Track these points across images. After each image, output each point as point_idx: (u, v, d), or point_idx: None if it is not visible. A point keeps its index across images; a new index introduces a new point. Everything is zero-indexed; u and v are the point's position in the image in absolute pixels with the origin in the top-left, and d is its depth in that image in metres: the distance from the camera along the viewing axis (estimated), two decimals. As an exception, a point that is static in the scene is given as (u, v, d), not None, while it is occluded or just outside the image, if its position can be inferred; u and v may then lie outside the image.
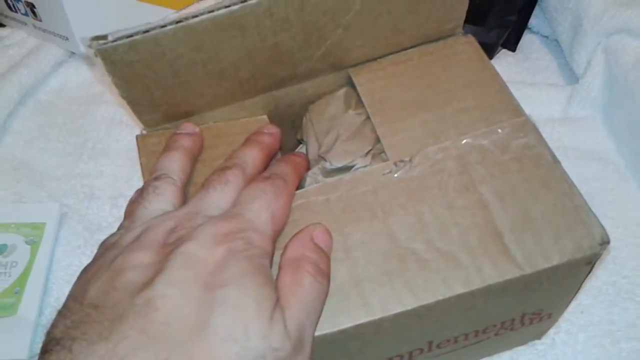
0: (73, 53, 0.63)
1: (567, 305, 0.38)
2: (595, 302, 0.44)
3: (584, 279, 0.34)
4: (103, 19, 0.61)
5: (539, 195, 0.31)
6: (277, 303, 0.26)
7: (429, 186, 0.31)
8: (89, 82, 0.61)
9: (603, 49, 0.54)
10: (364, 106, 0.37)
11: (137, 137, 0.37)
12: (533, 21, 0.61)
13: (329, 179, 0.31)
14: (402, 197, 0.31)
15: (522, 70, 0.59)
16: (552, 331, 0.42)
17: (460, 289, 0.29)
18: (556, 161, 0.32)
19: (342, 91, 0.39)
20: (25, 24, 0.63)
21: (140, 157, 0.36)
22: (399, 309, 0.29)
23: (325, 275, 0.27)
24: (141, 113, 0.36)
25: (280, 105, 0.37)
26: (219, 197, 0.29)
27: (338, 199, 0.31)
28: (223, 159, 0.34)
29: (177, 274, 0.25)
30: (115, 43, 0.31)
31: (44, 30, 0.61)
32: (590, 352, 0.42)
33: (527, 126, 0.32)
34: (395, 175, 0.31)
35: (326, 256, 0.28)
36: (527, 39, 0.62)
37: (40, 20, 0.61)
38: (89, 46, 0.31)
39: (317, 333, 0.28)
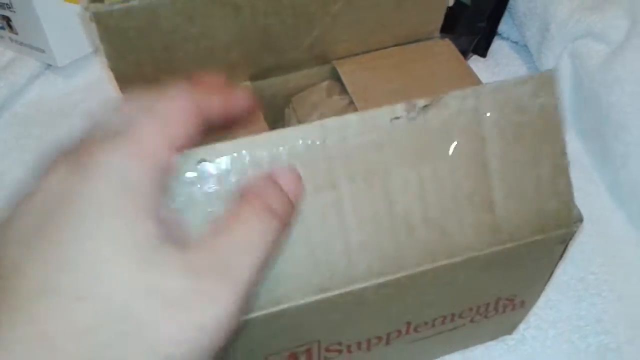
0: (49, 65, 0.63)
1: (539, 293, 0.39)
2: (563, 298, 0.45)
3: (557, 262, 0.35)
4: (80, 30, 0.62)
5: (538, 166, 0.30)
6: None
7: (438, 142, 0.28)
8: (65, 93, 0.61)
9: (569, 53, 0.56)
10: (347, 94, 0.38)
11: None
12: (502, 27, 0.63)
13: (329, 119, 0.27)
14: (407, 154, 0.28)
15: (492, 75, 0.61)
16: (521, 327, 0.43)
17: (444, 260, 0.30)
18: (563, 132, 0.31)
19: (324, 83, 0.41)
20: (2, 37, 0.63)
21: None
22: (382, 278, 0.29)
23: (276, 216, 0.24)
24: (127, 90, 0.37)
25: (264, 96, 0.39)
26: None
27: (337, 145, 0.27)
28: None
29: None
30: (112, 7, 0.32)
31: (20, 44, 0.62)
32: (560, 347, 0.42)
33: (550, 86, 0.30)
34: (405, 122, 0.28)
35: (285, 198, 0.25)
36: (496, 44, 0.64)
37: (17, 34, 0.61)
38: (86, 9, 0.31)
39: (300, 301, 0.29)
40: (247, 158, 0.26)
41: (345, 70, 0.40)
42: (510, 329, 0.43)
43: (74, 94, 0.62)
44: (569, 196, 0.31)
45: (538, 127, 0.30)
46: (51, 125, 0.59)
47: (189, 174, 0.26)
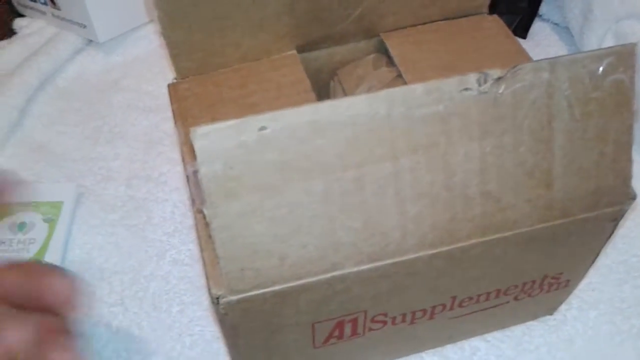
0: (90, 41, 0.64)
1: (584, 273, 0.39)
2: (605, 280, 0.44)
3: (607, 240, 0.35)
4: (121, 7, 0.62)
5: (603, 143, 0.30)
6: None
7: (506, 116, 0.28)
8: (106, 69, 0.62)
9: (613, 34, 0.55)
10: (394, 67, 0.38)
11: (168, 85, 0.39)
12: (543, 8, 0.62)
13: (395, 89, 0.27)
14: (473, 127, 0.28)
15: (533, 57, 0.60)
16: (563, 307, 0.43)
17: (495, 234, 0.30)
18: (634, 110, 0.31)
19: (371, 56, 0.41)
20: (44, 13, 0.64)
21: (172, 104, 0.37)
22: (434, 250, 0.30)
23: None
24: (178, 58, 0.37)
25: (309, 69, 0.39)
26: None
27: (401, 116, 0.27)
28: (253, 97, 0.35)
29: None
30: None
31: (62, 19, 0.63)
32: (601, 328, 0.42)
33: (630, 60, 0.29)
34: (475, 94, 0.27)
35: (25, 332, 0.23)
36: (537, 26, 0.63)
37: (59, 9, 0.62)
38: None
39: (354, 268, 0.29)
40: (310, 126, 0.27)
41: (392, 43, 0.39)
42: (551, 309, 0.43)
43: (114, 70, 0.62)
44: (628, 173, 0.31)
45: (609, 103, 0.29)
46: (92, 99, 0.60)
47: (250, 139, 0.26)
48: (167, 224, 0.49)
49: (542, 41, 0.63)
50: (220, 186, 0.27)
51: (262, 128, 0.26)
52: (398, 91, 0.27)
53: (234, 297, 0.29)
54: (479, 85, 0.27)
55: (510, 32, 0.41)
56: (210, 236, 0.31)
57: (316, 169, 0.27)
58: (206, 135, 0.26)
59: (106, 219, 0.50)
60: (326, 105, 0.27)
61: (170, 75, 0.59)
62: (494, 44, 0.40)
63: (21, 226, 0.49)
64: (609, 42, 0.56)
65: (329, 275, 0.29)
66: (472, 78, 0.27)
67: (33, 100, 0.59)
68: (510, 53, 0.39)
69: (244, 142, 0.26)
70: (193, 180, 0.28)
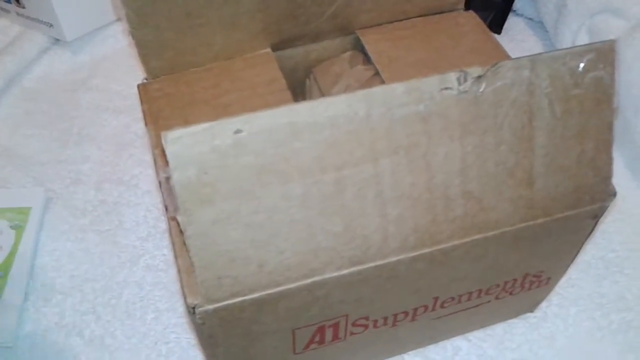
0: (57, 40, 0.62)
1: (565, 270, 0.39)
2: (585, 276, 0.44)
3: (587, 237, 0.35)
4: (88, 5, 0.61)
5: (583, 141, 0.29)
6: None
7: (487, 115, 0.27)
8: (73, 69, 0.60)
9: (587, 29, 0.55)
10: (370, 65, 0.37)
11: (138, 85, 0.37)
12: (518, 4, 0.62)
13: (374, 89, 0.26)
14: (453, 126, 0.27)
15: (507, 52, 0.60)
16: (543, 305, 0.43)
17: (477, 235, 0.30)
18: (614, 108, 0.30)
19: (347, 54, 0.41)
20: (8, 11, 0.62)
21: (142, 104, 0.36)
22: (416, 252, 0.29)
23: None
24: (148, 58, 0.36)
25: (284, 68, 0.38)
26: None
27: (381, 116, 0.26)
28: (226, 97, 0.34)
29: None
30: None
31: (27, 18, 0.61)
32: (582, 324, 0.42)
33: (609, 57, 0.28)
34: (455, 93, 0.27)
35: None
36: (512, 21, 0.63)
37: (24, 7, 0.60)
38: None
39: (334, 273, 0.28)
40: (288, 128, 0.26)
41: (368, 40, 0.39)
42: (532, 306, 0.43)
43: (82, 70, 0.61)
44: (608, 171, 0.31)
45: (589, 100, 0.29)
46: (59, 100, 0.58)
47: (224, 143, 0.25)
48: (140, 229, 0.48)
49: (516, 36, 0.63)
50: (194, 192, 0.26)
51: (237, 131, 0.25)
52: (378, 91, 0.26)
53: (211, 306, 0.28)
54: (459, 84, 0.27)
55: (486, 28, 0.40)
56: (184, 243, 0.30)
57: (294, 173, 0.26)
58: (178, 140, 0.25)
59: (76, 224, 0.48)
60: (304, 107, 0.26)
61: (140, 75, 0.57)
62: (470, 41, 0.39)
63: (-13, 233, 0.47)
64: (583, 37, 0.56)
65: (308, 281, 0.29)
66: (452, 77, 0.27)
67: (-2, 102, 0.57)
68: (487, 49, 0.39)
69: (218, 146, 0.25)
70: (166, 186, 0.26)
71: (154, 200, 0.50)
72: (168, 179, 0.25)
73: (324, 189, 0.27)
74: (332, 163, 0.27)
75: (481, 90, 0.27)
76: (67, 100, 0.58)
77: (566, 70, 0.28)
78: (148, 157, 0.53)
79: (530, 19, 0.64)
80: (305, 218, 0.27)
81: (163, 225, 0.48)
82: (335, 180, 0.27)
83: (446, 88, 0.27)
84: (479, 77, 0.27)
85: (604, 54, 0.28)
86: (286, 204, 0.27)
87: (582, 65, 0.28)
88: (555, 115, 0.29)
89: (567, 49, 0.28)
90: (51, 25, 0.59)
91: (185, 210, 0.26)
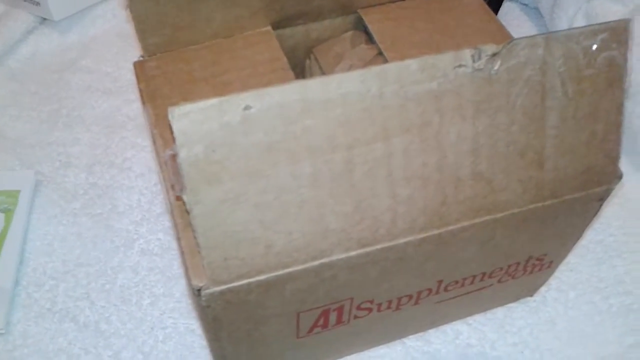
0: (44, 19, 0.60)
1: (566, 254, 0.38)
2: (583, 261, 0.44)
3: (591, 220, 0.35)
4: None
5: (594, 122, 0.29)
6: None
7: (500, 94, 0.27)
8: (61, 49, 0.59)
9: (584, 14, 0.55)
10: (373, 44, 0.36)
11: (134, 63, 0.36)
12: (513, -11, 0.62)
13: (388, 65, 0.25)
14: (466, 105, 0.27)
15: (505, 37, 0.59)
16: (543, 289, 0.43)
17: (485, 216, 0.29)
18: (624, 89, 0.30)
19: (348, 33, 0.40)
20: (-7, -11, 0.60)
21: (138, 83, 0.35)
22: (425, 233, 0.29)
23: None
24: (145, 34, 0.35)
25: (283, 47, 0.37)
26: None
27: (394, 94, 0.25)
28: (226, 75, 0.33)
29: None
30: None
31: (13, -4, 0.59)
32: (581, 308, 0.42)
33: (623, 36, 0.28)
34: (469, 71, 0.26)
35: None
36: (506, 7, 0.62)
37: (10, -15, 0.58)
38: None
39: (342, 255, 0.28)
40: (298, 105, 0.25)
41: (371, 19, 0.38)
42: (532, 290, 0.42)
43: (70, 51, 0.59)
44: (617, 153, 0.31)
45: (601, 80, 0.29)
46: (47, 81, 0.56)
47: (233, 120, 0.24)
48: (134, 213, 0.47)
49: (511, 22, 0.62)
50: (202, 171, 0.25)
51: (247, 107, 0.24)
52: (391, 67, 0.25)
53: (217, 288, 0.27)
54: (474, 61, 0.26)
55: (489, 9, 0.40)
56: (189, 224, 0.29)
57: (304, 151, 0.26)
58: (186, 116, 0.24)
59: (67, 208, 0.47)
60: (315, 83, 0.25)
61: (131, 56, 0.56)
62: (474, 21, 0.39)
63: (-25, 217, 0.45)
64: (580, 22, 0.55)
65: (316, 262, 0.28)
66: (467, 54, 0.26)
67: (-17, 82, 0.55)
68: (490, 30, 0.39)
69: (227, 122, 0.24)
70: (171, 164, 0.26)
71: (147, 184, 0.48)
72: (174, 156, 0.25)
73: (334, 168, 0.26)
74: (343, 142, 0.26)
75: (496, 68, 0.27)
76: (55, 82, 0.56)
77: (580, 49, 0.28)
78: (140, 140, 0.51)
79: (525, 4, 0.64)
80: (315, 198, 0.27)
81: (157, 209, 0.47)
82: (346, 159, 0.26)
83: (460, 65, 0.26)
84: (494, 54, 0.26)
85: (618, 34, 0.28)
86: (295, 184, 0.26)
87: (595, 45, 0.28)
88: (568, 95, 0.28)
89: (581, 27, 0.28)
90: (37, 4, 0.58)
91: (192, 190, 0.25)
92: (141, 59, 0.37)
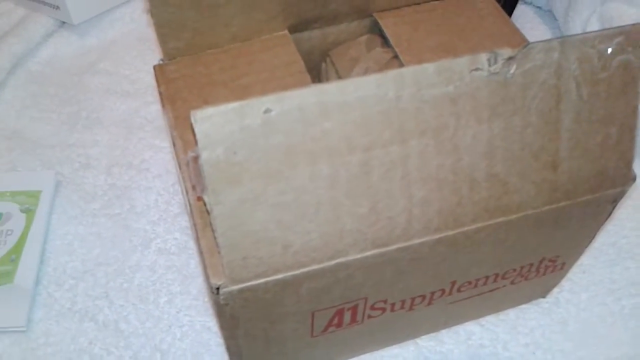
0: (64, 23, 0.61)
1: (579, 255, 0.39)
2: (596, 263, 0.45)
3: (604, 222, 0.35)
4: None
5: (609, 125, 0.29)
6: None
7: (515, 97, 0.27)
8: (81, 52, 0.60)
9: (598, 17, 0.55)
10: (388, 48, 0.37)
11: (154, 67, 0.37)
12: (527, -8, 0.62)
13: (404, 69, 0.26)
14: (482, 108, 0.27)
15: (518, 40, 0.60)
16: (555, 290, 0.43)
17: (500, 217, 0.30)
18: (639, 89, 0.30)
19: (364, 37, 0.40)
20: (14, -7, 0.61)
21: (158, 86, 0.36)
22: (440, 234, 0.29)
23: None
24: (166, 38, 0.36)
25: (300, 51, 0.38)
26: None
27: (411, 97, 0.26)
28: (244, 78, 0.34)
29: None
30: None
31: (33, 0, 0.60)
32: (594, 310, 0.42)
33: (638, 40, 0.28)
34: (485, 74, 0.27)
35: None
36: (520, 10, 0.63)
37: (30, -11, 0.59)
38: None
39: (358, 255, 0.28)
40: (317, 108, 0.25)
41: (386, 23, 0.38)
42: (544, 292, 0.43)
43: (89, 53, 0.60)
44: (631, 155, 0.31)
45: (616, 84, 0.29)
46: (67, 84, 0.57)
47: (254, 123, 0.25)
48: (151, 212, 0.47)
49: (525, 25, 0.63)
50: (223, 172, 0.25)
51: (267, 110, 0.25)
52: (408, 71, 0.26)
53: (236, 287, 0.28)
54: (490, 65, 0.27)
55: (503, 12, 0.40)
56: (208, 224, 0.30)
57: (323, 153, 0.26)
58: (208, 119, 0.25)
59: (87, 209, 0.48)
60: (333, 86, 0.26)
61: (149, 59, 0.57)
62: (489, 24, 0.39)
63: (-3, 217, 0.46)
64: (594, 25, 0.56)
65: (333, 262, 0.29)
66: (483, 58, 0.27)
67: (4, 85, 0.57)
68: (505, 34, 0.39)
69: (247, 125, 0.25)
70: (193, 166, 0.26)
71: (164, 184, 0.49)
72: (196, 158, 0.25)
73: (352, 170, 0.27)
74: (360, 144, 0.27)
75: (511, 72, 0.27)
76: (75, 84, 0.57)
77: (595, 53, 0.28)
78: (158, 141, 0.52)
79: (539, 7, 0.64)
80: (332, 199, 0.27)
81: (174, 209, 0.48)
82: (363, 161, 0.27)
83: (476, 69, 0.26)
84: (510, 58, 0.27)
85: (634, 37, 0.28)
86: (313, 185, 0.27)
87: (610, 48, 0.28)
88: (582, 99, 0.29)
89: (597, 31, 0.28)
90: (57, 8, 0.59)
91: (213, 190, 0.26)
92: (161, 62, 0.37)
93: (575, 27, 0.58)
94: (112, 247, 0.46)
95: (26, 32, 0.59)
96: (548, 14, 0.63)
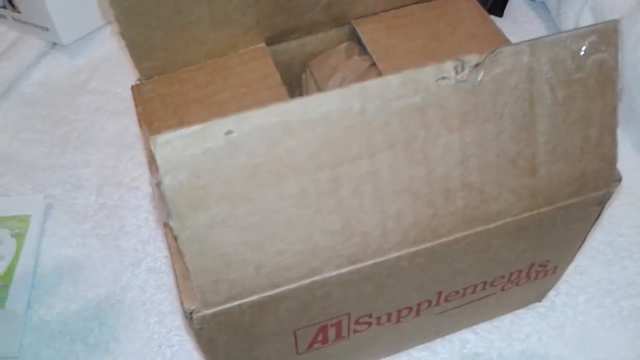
0: (55, 44, 0.61)
1: (571, 258, 0.38)
2: (593, 263, 0.44)
3: (593, 224, 0.34)
4: (84, 7, 0.60)
5: (587, 127, 0.29)
6: None
7: (486, 104, 0.27)
8: (72, 72, 0.60)
9: (590, 9, 0.54)
10: (367, 55, 0.36)
11: (132, 87, 0.37)
12: (519, -15, 0.61)
13: (368, 82, 0.25)
14: (452, 117, 0.26)
15: (510, 34, 0.58)
16: (551, 294, 0.42)
17: (479, 227, 0.29)
18: (616, 88, 0.30)
19: (343, 45, 0.40)
20: (5, 17, 0.62)
21: (136, 107, 0.36)
22: (417, 247, 0.29)
23: None
24: (139, 59, 0.35)
25: (279, 62, 0.37)
26: None
27: (377, 110, 0.25)
28: (221, 94, 0.33)
29: None
30: None
31: (24, 23, 0.60)
32: (591, 312, 0.41)
33: (612, 38, 0.27)
34: (453, 83, 0.26)
35: None
36: (513, 3, 0.62)
37: (19, 12, 0.59)
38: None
39: (334, 272, 0.28)
40: (280, 127, 0.25)
41: (364, 29, 0.38)
42: (540, 296, 0.42)
43: (81, 73, 0.60)
44: (613, 156, 0.30)
45: (592, 84, 0.28)
46: (59, 105, 0.57)
47: (216, 145, 0.25)
48: (141, 232, 0.47)
49: (518, 18, 0.62)
50: (187, 197, 0.25)
51: (229, 132, 0.25)
52: (372, 84, 0.25)
53: (208, 311, 0.27)
54: (457, 73, 0.26)
55: (485, 13, 0.39)
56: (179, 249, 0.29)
57: (289, 172, 0.26)
58: (168, 143, 0.24)
59: (77, 230, 0.48)
60: (296, 104, 0.25)
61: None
62: (469, 26, 0.38)
63: (-12, 243, 0.47)
64: (587, 17, 0.55)
65: (308, 281, 0.28)
66: (449, 66, 0.26)
67: (-3, 109, 0.57)
68: (486, 35, 0.38)
69: (209, 148, 0.25)
70: (157, 192, 0.26)
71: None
72: (159, 184, 0.25)
73: (320, 187, 0.26)
74: (327, 160, 0.26)
75: (479, 78, 0.26)
76: (67, 104, 0.57)
77: (567, 53, 0.27)
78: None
79: (532, 0, 0.63)
80: (302, 217, 0.27)
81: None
82: (332, 177, 0.26)
83: (443, 78, 0.26)
84: (477, 65, 0.26)
85: (607, 35, 0.27)
86: (282, 204, 0.26)
87: (584, 48, 0.27)
88: (557, 101, 0.28)
89: (568, 31, 0.27)
90: (47, 29, 0.59)
91: (178, 216, 0.25)
92: (138, 82, 0.37)
93: (568, 19, 0.57)
94: (102, 268, 0.45)
95: (18, 56, 0.59)
96: (541, 6, 0.62)
